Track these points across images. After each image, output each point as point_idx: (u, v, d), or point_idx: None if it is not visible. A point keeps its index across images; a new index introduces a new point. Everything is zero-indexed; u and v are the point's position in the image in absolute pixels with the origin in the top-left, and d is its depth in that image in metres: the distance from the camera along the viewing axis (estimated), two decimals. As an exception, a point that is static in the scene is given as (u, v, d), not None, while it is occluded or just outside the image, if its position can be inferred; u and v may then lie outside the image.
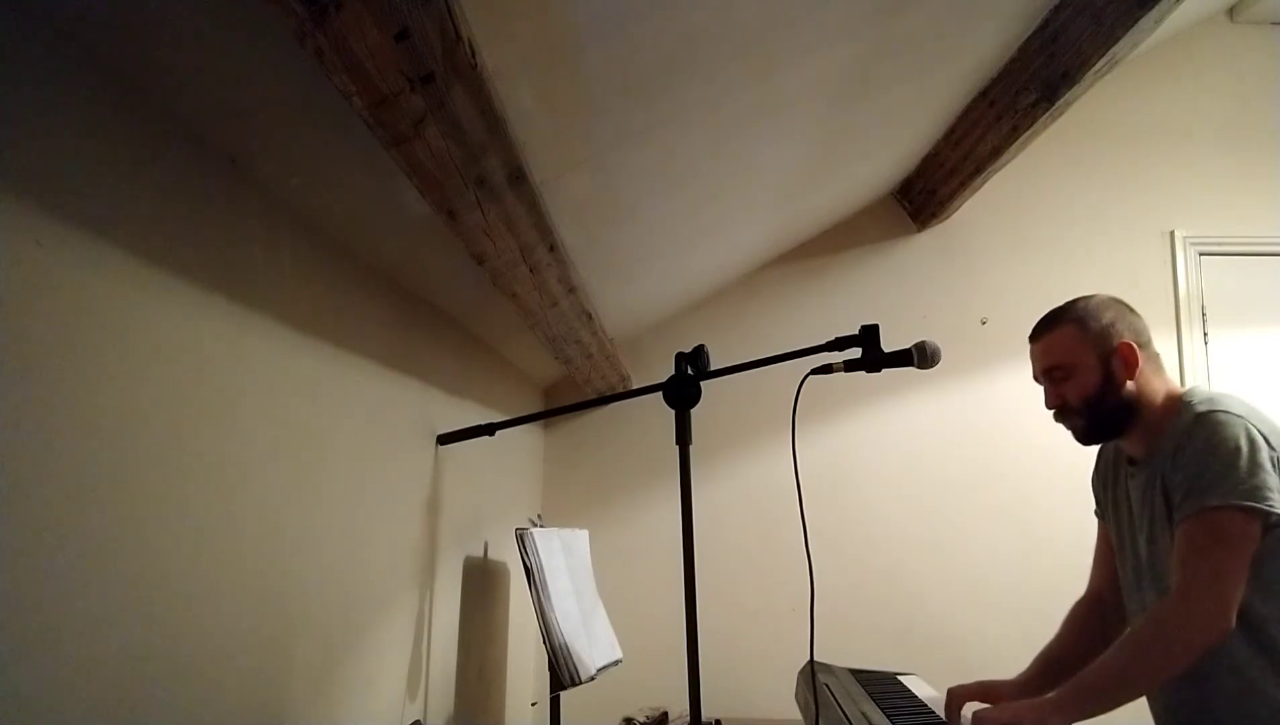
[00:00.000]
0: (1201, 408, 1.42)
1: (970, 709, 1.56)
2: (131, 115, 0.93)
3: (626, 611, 2.56)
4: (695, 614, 1.44)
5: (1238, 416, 1.38)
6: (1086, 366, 1.51)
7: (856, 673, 1.96)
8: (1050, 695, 1.41)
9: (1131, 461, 1.58)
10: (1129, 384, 1.50)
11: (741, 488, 3.00)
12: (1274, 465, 1.35)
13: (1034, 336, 1.60)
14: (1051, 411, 1.58)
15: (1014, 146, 2.54)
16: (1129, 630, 1.40)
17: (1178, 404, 1.48)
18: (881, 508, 2.99)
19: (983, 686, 1.66)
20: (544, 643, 1.80)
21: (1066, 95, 2.25)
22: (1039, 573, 2.84)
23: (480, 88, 0.99)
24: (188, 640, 0.99)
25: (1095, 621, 1.73)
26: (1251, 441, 1.35)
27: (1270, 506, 1.32)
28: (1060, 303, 1.60)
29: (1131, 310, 1.58)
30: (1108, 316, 1.54)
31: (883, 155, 2.80)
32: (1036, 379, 1.61)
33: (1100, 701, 1.34)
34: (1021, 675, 1.71)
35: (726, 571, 2.89)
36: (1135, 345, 1.51)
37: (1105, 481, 1.69)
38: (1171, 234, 3.14)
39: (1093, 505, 1.75)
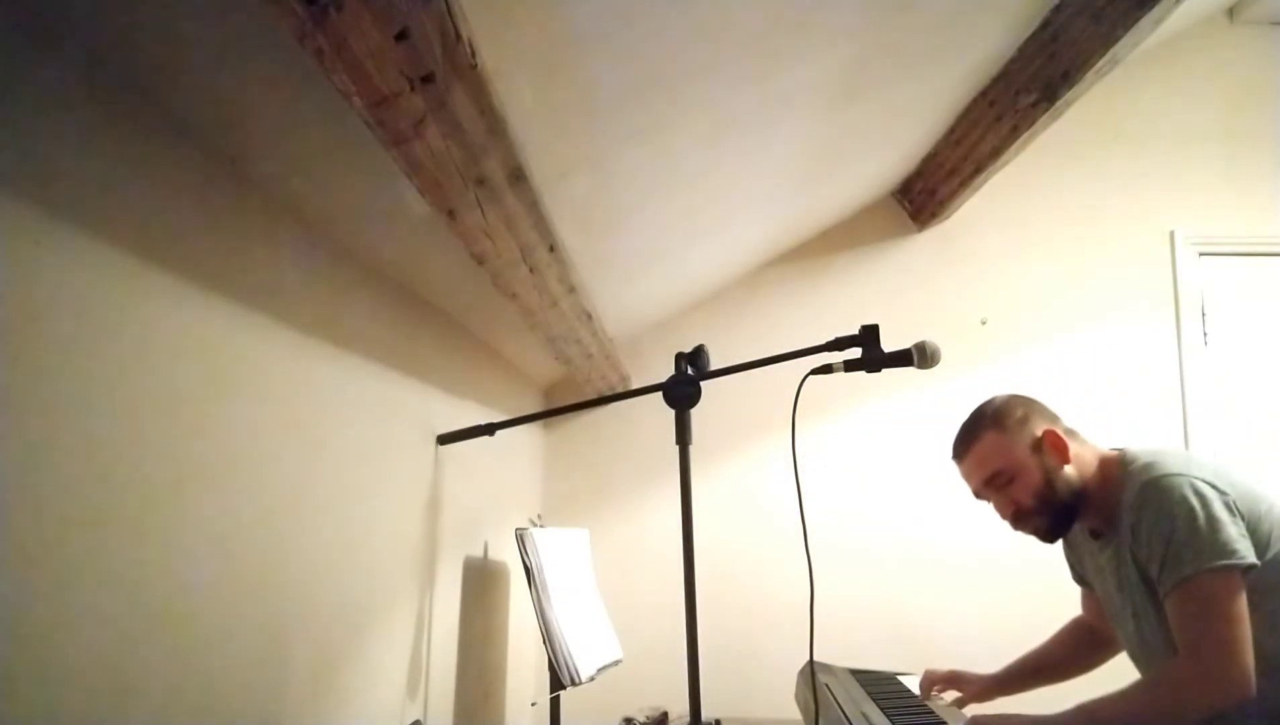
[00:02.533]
0: (1144, 477, 1.42)
1: (973, 709, 1.58)
2: (131, 115, 0.93)
3: (626, 611, 2.56)
4: (695, 614, 1.44)
5: (1179, 475, 1.39)
6: (1024, 465, 1.52)
7: (856, 673, 1.96)
8: (1055, 716, 1.41)
9: (1094, 534, 1.60)
10: (1067, 468, 1.51)
11: (741, 488, 3.00)
12: (1231, 510, 1.36)
13: (957, 455, 1.61)
14: (1008, 521, 1.59)
15: (1014, 146, 2.54)
16: (1151, 678, 1.43)
17: (1117, 472, 1.49)
18: (882, 508, 2.99)
19: (954, 674, 1.76)
20: (544, 643, 1.80)
21: (1066, 95, 2.25)
22: (1038, 572, 2.83)
23: (480, 88, 0.99)
24: (187, 640, 0.99)
25: (1084, 642, 1.77)
26: (1201, 497, 1.36)
27: (1241, 559, 1.33)
28: (1054, 308, 1.61)
29: (1035, 400, 1.60)
30: (1019, 411, 1.56)
31: (882, 155, 2.79)
32: (977, 495, 1.61)
33: None
34: (997, 672, 1.78)
35: (726, 571, 2.88)
36: (1056, 430, 1.53)
37: (1078, 554, 1.72)
38: (1171, 234, 3.14)
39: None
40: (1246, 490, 1.41)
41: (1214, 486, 1.38)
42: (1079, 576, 1.77)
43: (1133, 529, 1.42)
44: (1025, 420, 1.55)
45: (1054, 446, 1.52)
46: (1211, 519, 1.34)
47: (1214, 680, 1.31)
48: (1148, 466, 1.44)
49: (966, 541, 2.95)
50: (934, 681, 1.76)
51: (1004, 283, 3.10)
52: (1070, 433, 1.56)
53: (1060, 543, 1.70)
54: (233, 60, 0.95)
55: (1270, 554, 1.36)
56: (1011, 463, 1.53)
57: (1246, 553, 1.34)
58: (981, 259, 3.14)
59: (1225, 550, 1.33)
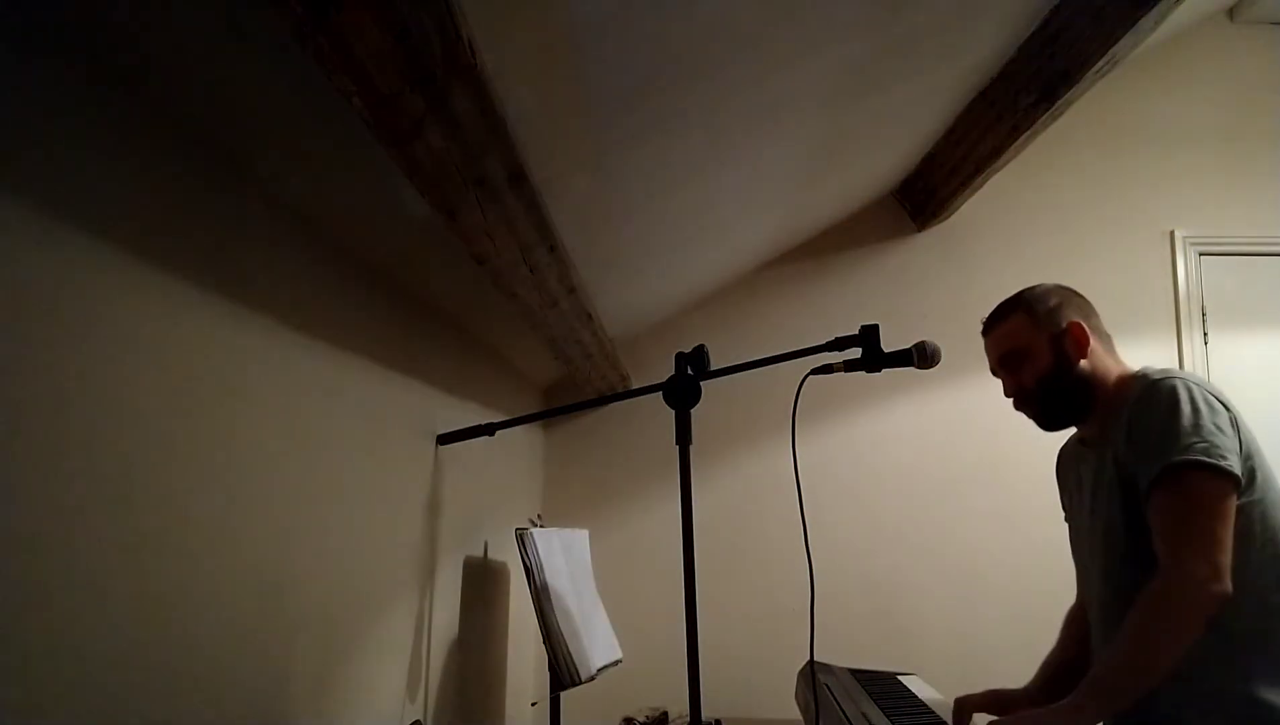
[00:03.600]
0: (1154, 377, 1.40)
1: (981, 720, 1.54)
2: (131, 115, 0.93)
3: (626, 611, 2.56)
4: (695, 614, 1.44)
5: (1186, 381, 1.36)
6: (1038, 349, 1.52)
7: (856, 673, 1.96)
8: (1065, 701, 1.36)
9: (1083, 443, 1.58)
10: (1082, 363, 1.50)
11: (742, 488, 3.00)
12: (1234, 426, 1.33)
13: (986, 330, 1.62)
14: (1010, 399, 1.58)
15: (1014, 146, 2.54)
16: (1128, 618, 1.34)
17: (1130, 381, 1.47)
18: (882, 508, 2.99)
19: (992, 696, 1.62)
20: (544, 643, 1.80)
21: (1066, 95, 2.25)
22: (1038, 572, 2.83)
23: (480, 88, 0.99)
24: (187, 640, 0.99)
25: (1086, 635, 1.67)
26: (1209, 403, 1.33)
27: (1233, 469, 1.29)
28: None
29: (1079, 296, 1.58)
30: (1054, 300, 1.55)
31: (883, 155, 2.80)
32: (993, 371, 1.61)
33: (1115, 697, 1.31)
34: (1028, 685, 1.67)
35: (727, 571, 2.89)
36: (1084, 324, 1.51)
37: (1064, 480, 1.69)
38: (1171, 234, 3.14)
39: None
40: (1250, 433, 1.38)
41: (1221, 401, 1.35)
42: (1062, 502, 1.72)
43: (1127, 425, 1.39)
44: (1056, 309, 1.54)
45: (1076, 338, 1.50)
46: (1212, 422, 1.31)
47: (1197, 579, 1.26)
48: (1163, 372, 1.42)
49: (967, 542, 2.95)
50: (971, 708, 1.59)
51: (1004, 283, 3.07)
52: (1101, 337, 1.54)
53: (1056, 481, 1.70)
54: (233, 60, 0.95)
55: (1243, 497, 1.33)
56: (1026, 346, 1.53)
57: (1236, 468, 1.30)
58: (981, 259, 3.14)
59: (1219, 453, 1.29)
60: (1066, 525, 1.70)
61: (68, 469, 0.82)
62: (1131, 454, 1.38)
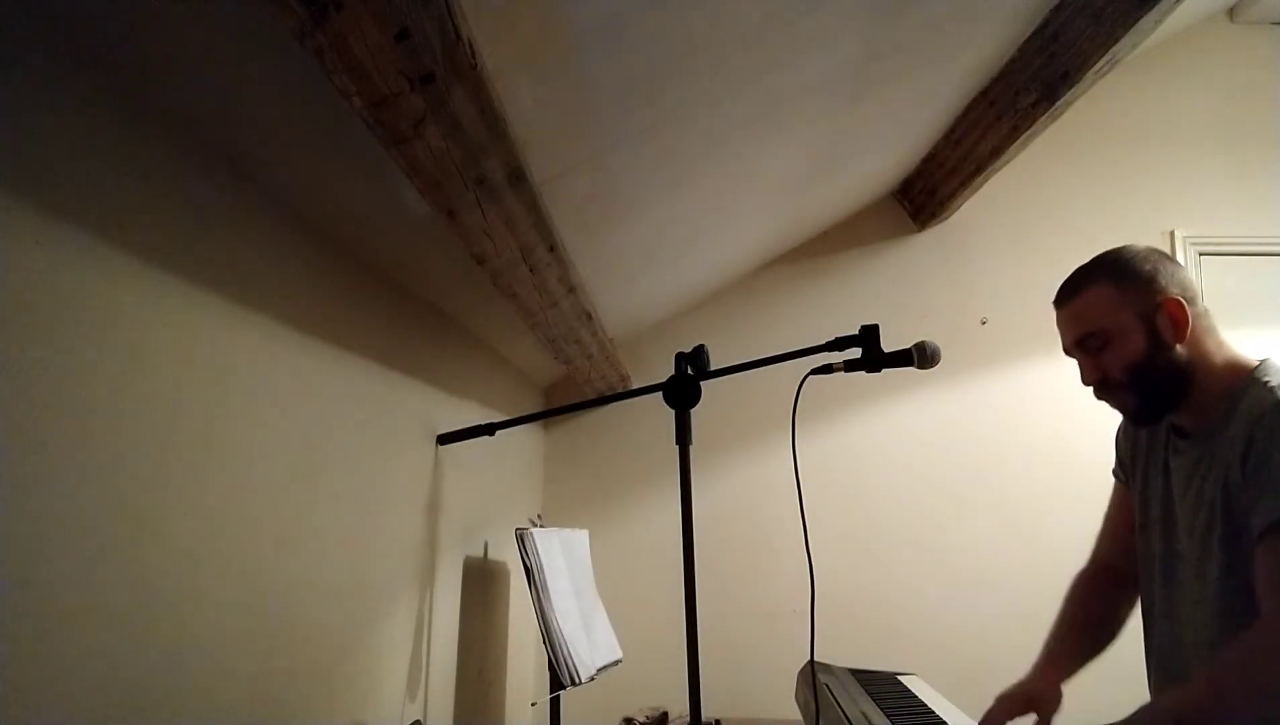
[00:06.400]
0: (1276, 384, 1.19)
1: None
2: (131, 115, 0.93)
3: (626, 611, 2.56)
4: (695, 614, 1.44)
5: None
6: (1127, 330, 1.28)
7: (856, 673, 1.96)
8: (1139, 717, 1.19)
9: (1180, 432, 1.34)
10: (1179, 347, 1.27)
11: (742, 488, 3.00)
12: None
13: (1060, 300, 1.38)
14: (1091, 387, 1.35)
15: (1014, 146, 2.54)
16: (1218, 661, 1.16)
17: (1245, 377, 1.25)
18: (881, 507, 2.99)
19: (1027, 694, 1.40)
20: (544, 643, 1.80)
21: (1066, 95, 2.25)
22: (1038, 572, 2.84)
23: (480, 88, 0.99)
24: (187, 640, 0.99)
25: (1109, 594, 1.52)
26: None
27: None
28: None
29: (1175, 262, 1.34)
30: (1147, 269, 1.30)
31: (882, 155, 2.80)
32: (1067, 352, 1.39)
33: None
34: (1045, 665, 1.46)
35: (727, 571, 2.89)
36: (1184, 301, 1.28)
37: (1138, 444, 1.45)
38: (1171, 234, 3.14)
39: (1110, 464, 1.54)
40: None
41: None
42: (1122, 466, 1.51)
43: (1246, 444, 1.16)
44: (1150, 280, 1.29)
45: (1173, 318, 1.27)
46: None
47: None
48: None
49: (968, 541, 2.95)
50: (1009, 712, 1.38)
51: (1004, 283, 3.11)
52: (1202, 314, 1.30)
53: (1118, 430, 1.51)
54: (233, 60, 0.95)
55: None
56: (1112, 326, 1.29)
57: None
58: (981, 259, 3.14)
59: None
60: (1114, 479, 1.53)
61: (67, 469, 0.82)
62: (1248, 488, 1.16)
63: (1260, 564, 1.14)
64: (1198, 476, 1.27)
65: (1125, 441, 1.52)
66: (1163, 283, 1.29)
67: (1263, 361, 1.27)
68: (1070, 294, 1.36)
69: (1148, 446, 1.44)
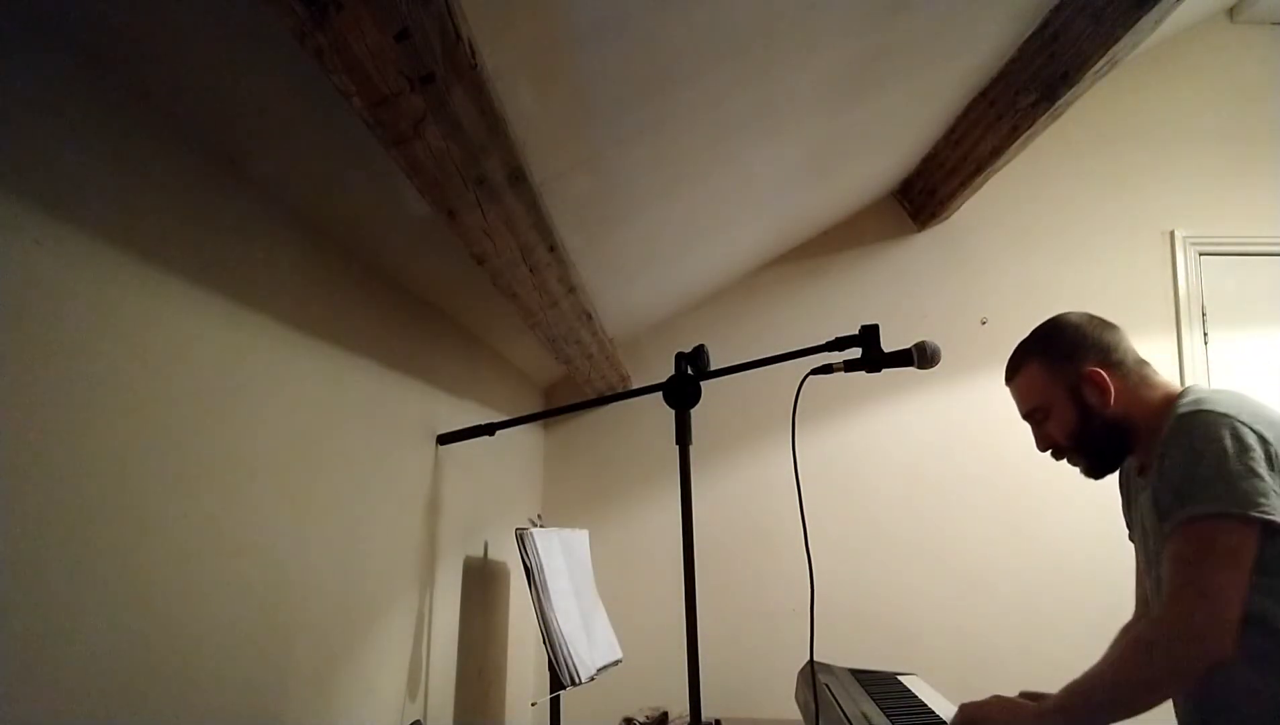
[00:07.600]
0: (1185, 409, 1.31)
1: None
2: (131, 115, 0.93)
3: (626, 611, 2.56)
4: (695, 614, 1.44)
5: (1223, 414, 1.26)
6: (1060, 403, 1.44)
7: (856, 673, 1.96)
8: (1035, 705, 1.33)
9: (1140, 471, 1.47)
10: (1111, 407, 1.41)
11: (742, 488, 3.00)
12: (1271, 463, 1.22)
13: (1006, 377, 1.55)
14: (1048, 453, 1.51)
15: (1014, 146, 2.54)
16: (1114, 654, 1.30)
17: (1168, 408, 1.37)
18: (881, 507, 2.99)
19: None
20: (544, 643, 1.80)
21: (1066, 95, 2.25)
22: (1038, 572, 2.84)
23: (480, 88, 0.99)
24: (187, 640, 0.99)
25: None
26: (1239, 440, 1.22)
27: (1267, 514, 1.18)
28: (1054, 308, 1.52)
29: (1102, 324, 1.48)
30: (1068, 343, 1.45)
31: (882, 155, 2.80)
32: (1024, 419, 1.54)
33: (1087, 721, 1.25)
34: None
35: (727, 571, 2.89)
36: (1102, 369, 1.42)
37: (1127, 500, 1.58)
38: (1171, 234, 3.14)
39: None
40: None
41: (1259, 434, 1.23)
42: (1124, 516, 1.60)
43: (1157, 468, 1.30)
44: (1069, 356, 1.43)
45: (1097, 386, 1.41)
46: (1243, 464, 1.20)
47: (1191, 632, 1.17)
48: (1196, 400, 1.31)
49: (966, 541, 2.95)
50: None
51: (1004, 283, 3.10)
52: (1127, 372, 1.42)
53: (1120, 497, 1.60)
54: (233, 60, 0.95)
55: None
56: (1047, 401, 1.45)
57: (1273, 510, 1.18)
58: (981, 259, 3.14)
59: (1248, 499, 1.19)
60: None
61: (64, 469, 0.82)
62: (1162, 493, 1.30)
63: (1164, 562, 1.26)
64: (1149, 511, 1.38)
65: (1123, 502, 1.61)
66: (1081, 355, 1.44)
67: (1185, 390, 1.39)
68: (1012, 373, 1.53)
69: (1126, 493, 1.57)
